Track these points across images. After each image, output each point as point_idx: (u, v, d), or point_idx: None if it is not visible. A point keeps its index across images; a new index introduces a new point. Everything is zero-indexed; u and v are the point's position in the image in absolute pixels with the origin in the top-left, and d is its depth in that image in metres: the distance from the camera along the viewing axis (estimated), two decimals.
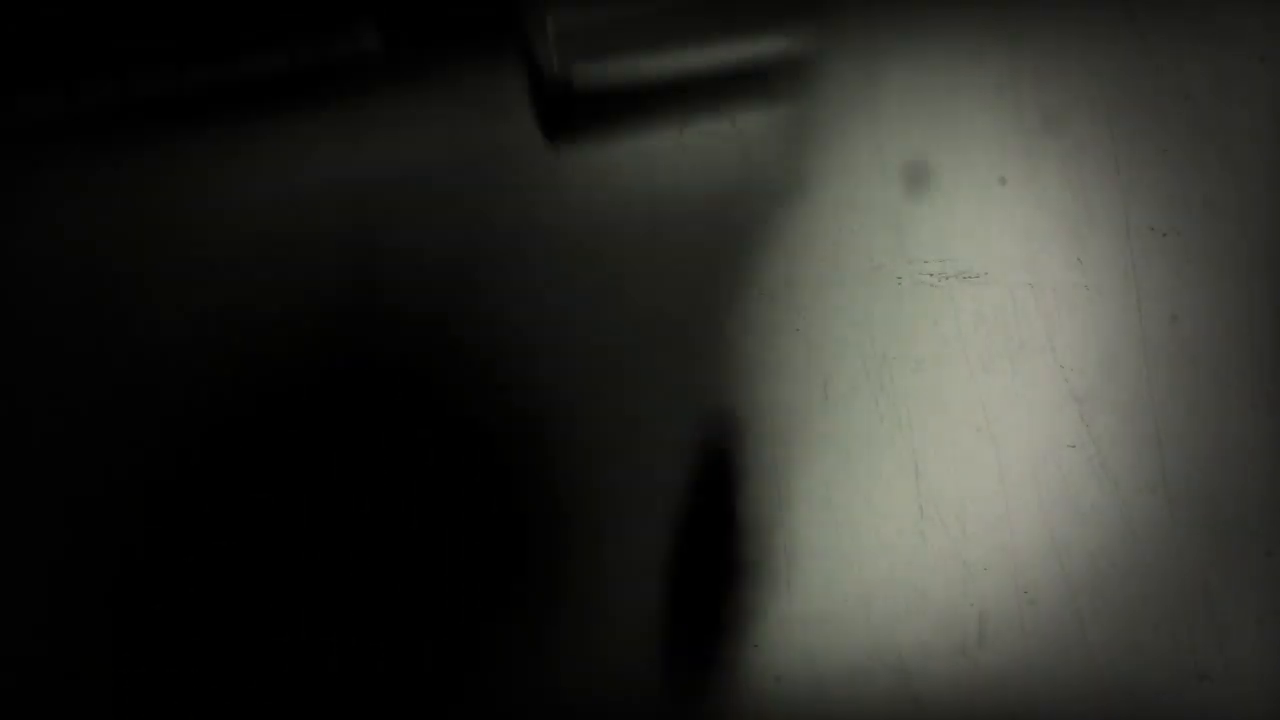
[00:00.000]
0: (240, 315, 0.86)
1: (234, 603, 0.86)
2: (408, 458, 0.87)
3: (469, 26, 0.85)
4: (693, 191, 0.92)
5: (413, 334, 0.88)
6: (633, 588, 0.87)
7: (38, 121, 0.83)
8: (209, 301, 0.87)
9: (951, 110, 0.93)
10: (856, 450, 0.89)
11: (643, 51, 0.87)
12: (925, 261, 0.92)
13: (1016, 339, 0.91)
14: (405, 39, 0.81)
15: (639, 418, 0.89)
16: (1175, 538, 0.89)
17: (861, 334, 0.90)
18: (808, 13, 0.89)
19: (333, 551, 0.87)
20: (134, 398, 0.87)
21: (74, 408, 0.87)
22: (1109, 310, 0.92)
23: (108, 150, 0.86)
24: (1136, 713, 0.88)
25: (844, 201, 0.92)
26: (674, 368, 0.90)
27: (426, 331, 0.87)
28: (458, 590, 0.87)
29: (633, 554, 0.88)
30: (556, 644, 0.87)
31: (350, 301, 0.87)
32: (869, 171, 0.92)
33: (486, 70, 0.88)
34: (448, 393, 0.87)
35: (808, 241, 0.92)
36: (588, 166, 0.89)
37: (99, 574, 0.86)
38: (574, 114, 0.85)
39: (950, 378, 0.90)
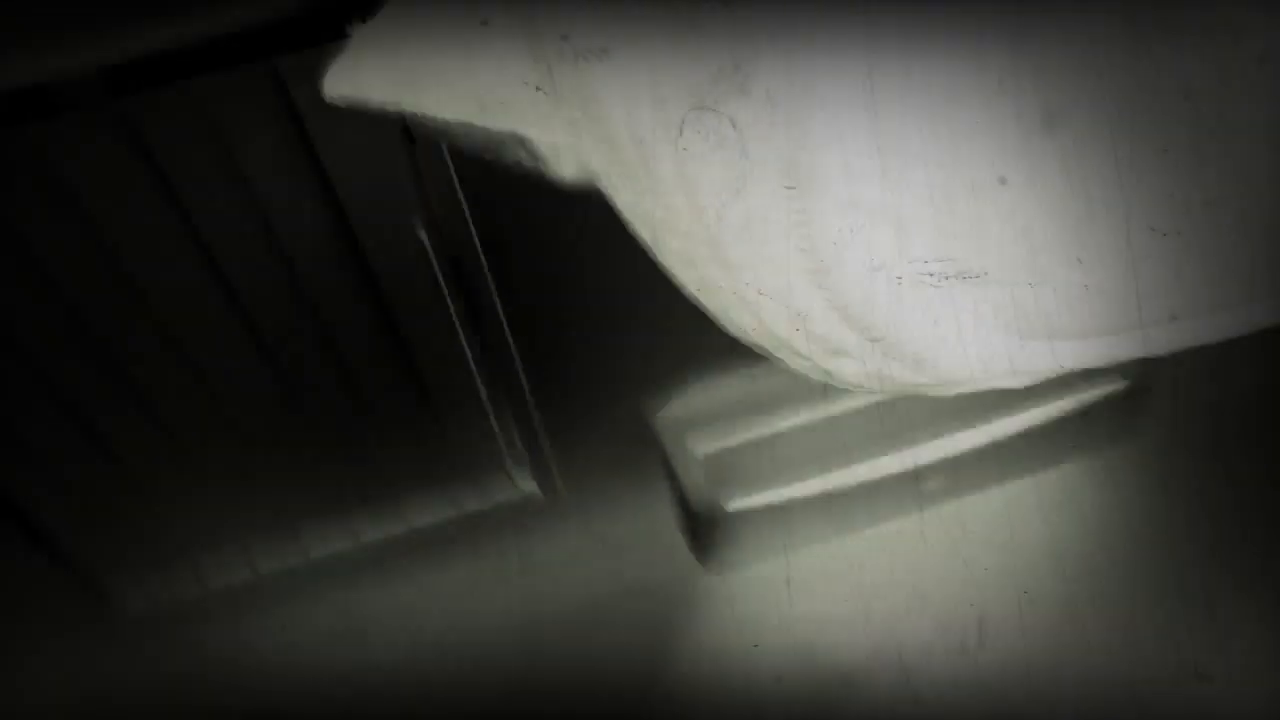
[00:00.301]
0: None
1: None
2: None
3: (618, 463, 0.88)
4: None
5: None
6: None
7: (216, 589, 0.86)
8: None
9: (952, 110, 0.93)
10: (856, 450, 0.89)
11: (790, 472, 0.88)
12: (925, 261, 0.92)
13: (1016, 339, 0.91)
14: (558, 481, 0.86)
15: None
16: (1175, 538, 0.89)
17: (862, 334, 0.90)
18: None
19: None
20: None
21: None
22: (1109, 310, 0.91)
23: (290, 610, 0.89)
24: (1136, 713, 0.88)
25: (844, 201, 0.92)
26: None
27: None
28: None
29: None
30: None
31: None
32: (869, 171, 0.92)
33: (637, 504, 0.91)
34: None
35: (808, 242, 0.92)
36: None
37: None
38: (723, 540, 0.87)
39: (950, 378, 0.90)
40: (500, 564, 0.91)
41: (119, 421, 0.72)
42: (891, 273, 0.67)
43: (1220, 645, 0.88)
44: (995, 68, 0.91)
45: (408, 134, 0.60)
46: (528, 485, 0.86)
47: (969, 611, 0.88)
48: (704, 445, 0.85)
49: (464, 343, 0.73)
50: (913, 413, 0.88)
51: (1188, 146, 0.91)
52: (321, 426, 0.77)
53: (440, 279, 0.68)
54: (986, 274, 0.91)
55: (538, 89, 0.85)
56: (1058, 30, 0.90)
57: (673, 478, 0.84)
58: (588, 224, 0.66)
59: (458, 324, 0.71)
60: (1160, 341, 0.67)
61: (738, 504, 0.84)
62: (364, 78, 0.52)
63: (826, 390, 0.85)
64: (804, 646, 0.87)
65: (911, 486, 0.88)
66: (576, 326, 0.76)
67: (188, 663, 0.89)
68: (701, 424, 0.85)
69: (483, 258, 0.68)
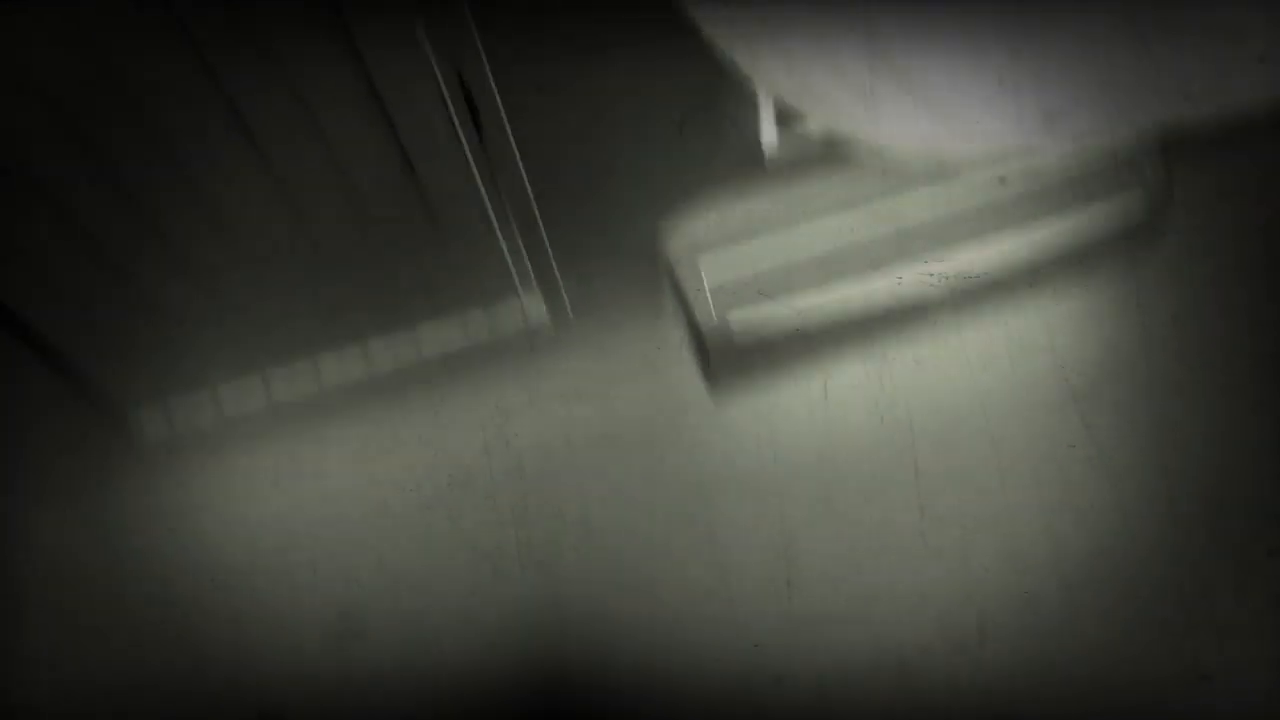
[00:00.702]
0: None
1: None
2: None
3: (629, 289, 0.89)
4: (693, 186, 0.92)
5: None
6: None
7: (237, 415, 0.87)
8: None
9: (951, 110, 0.93)
10: (856, 450, 0.89)
11: (801, 294, 0.88)
12: (925, 261, 0.92)
13: (1016, 339, 0.91)
14: (569, 308, 0.87)
15: None
16: (1175, 538, 0.89)
17: (861, 334, 0.90)
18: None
19: None
20: None
21: None
22: (1109, 310, 0.92)
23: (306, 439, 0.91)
24: (1136, 713, 0.88)
25: (844, 201, 0.92)
26: None
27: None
28: None
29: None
30: None
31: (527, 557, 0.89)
32: (869, 171, 0.92)
33: (648, 330, 0.92)
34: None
35: (808, 241, 0.92)
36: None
37: None
38: (734, 364, 0.87)
39: (950, 378, 0.90)
40: (513, 393, 0.90)
41: (136, 252, 0.72)
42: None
43: (1220, 645, 0.88)
44: (995, 68, 0.91)
45: None
46: (539, 312, 0.85)
47: (969, 611, 0.88)
48: (715, 269, 0.84)
49: (472, 164, 0.72)
50: (925, 232, 0.88)
51: (1187, 146, 0.91)
52: (332, 254, 0.77)
53: (444, 93, 0.67)
54: (987, 274, 0.91)
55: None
56: (1058, 30, 0.90)
57: (683, 303, 0.84)
58: (596, 40, 0.66)
59: (464, 143, 0.70)
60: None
61: (749, 328, 0.84)
62: None
63: (838, 211, 0.85)
64: (804, 646, 0.87)
65: (921, 310, 0.88)
66: (587, 149, 0.76)
67: (204, 490, 0.90)
68: (713, 248, 0.85)
69: (489, 72, 0.67)
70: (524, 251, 0.81)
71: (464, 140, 0.71)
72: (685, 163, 0.79)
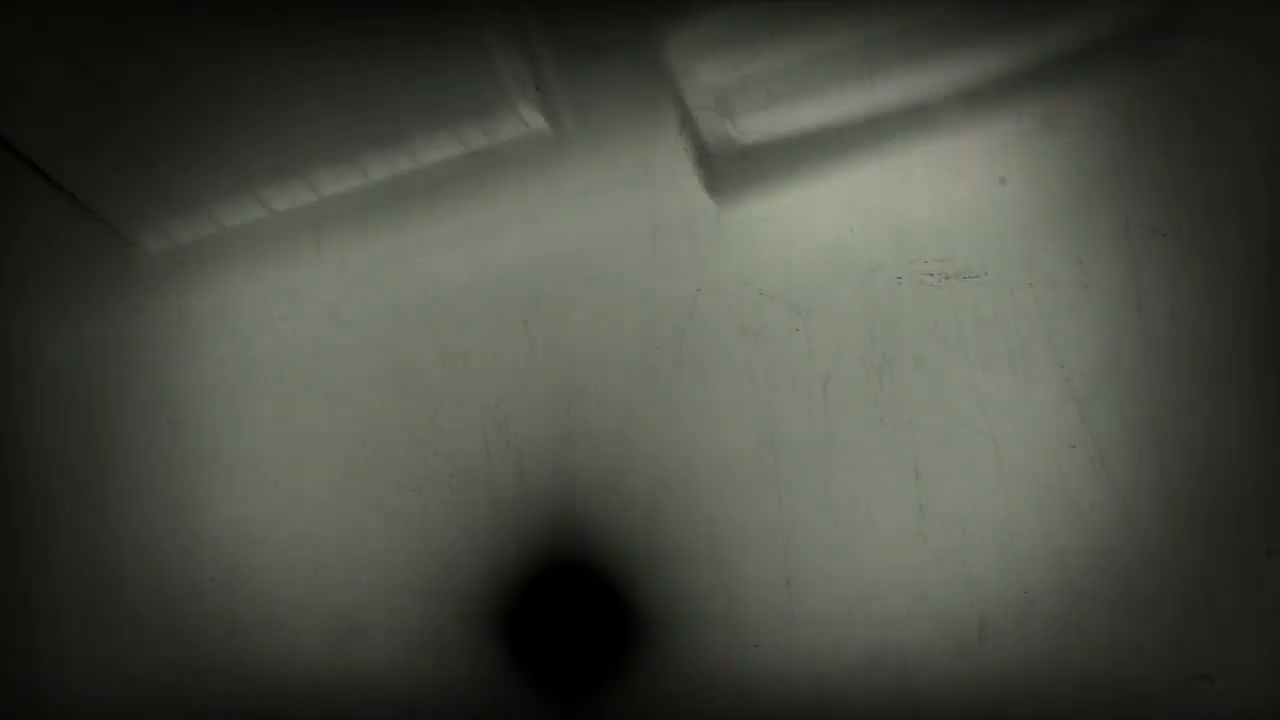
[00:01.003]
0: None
1: None
2: None
3: (627, 96, 0.88)
4: (690, 189, 0.92)
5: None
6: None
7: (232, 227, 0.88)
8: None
9: (952, 110, 0.93)
10: (856, 450, 0.89)
11: (800, 101, 0.89)
12: (925, 261, 0.92)
13: (1016, 339, 0.91)
14: (566, 117, 0.86)
15: None
16: (1175, 538, 0.89)
17: (861, 334, 0.90)
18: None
19: None
20: None
21: None
22: (1109, 310, 0.92)
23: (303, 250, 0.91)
24: (1136, 713, 0.88)
25: (844, 201, 0.92)
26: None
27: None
28: None
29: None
30: None
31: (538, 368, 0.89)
32: (869, 171, 0.92)
33: (647, 137, 0.92)
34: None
35: (808, 241, 0.92)
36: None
37: None
38: (734, 170, 0.87)
39: (950, 378, 0.90)
40: (510, 203, 0.90)
41: (131, 71, 0.72)
42: None
43: (1220, 645, 0.88)
44: (995, 68, 0.91)
45: None
46: (536, 121, 0.84)
47: (969, 611, 0.88)
48: (714, 75, 0.84)
49: None
50: (924, 40, 0.88)
51: (1187, 146, 0.91)
52: (326, 68, 0.76)
53: None
54: (987, 274, 0.91)
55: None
56: (1058, 30, 0.90)
57: (683, 109, 0.83)
58: None
59: None
60: None
61: (748, 134, 0.84)
62: None
63: (836, 18, 0.85)
64: (804, 646, 0.87)
65: (919, 113, 0.88)
66: None
67: (203, 301, 0.91)
68: (711, 53, 0.84)
69: None
70: (522, 61, 0.79)
71: None
72: None
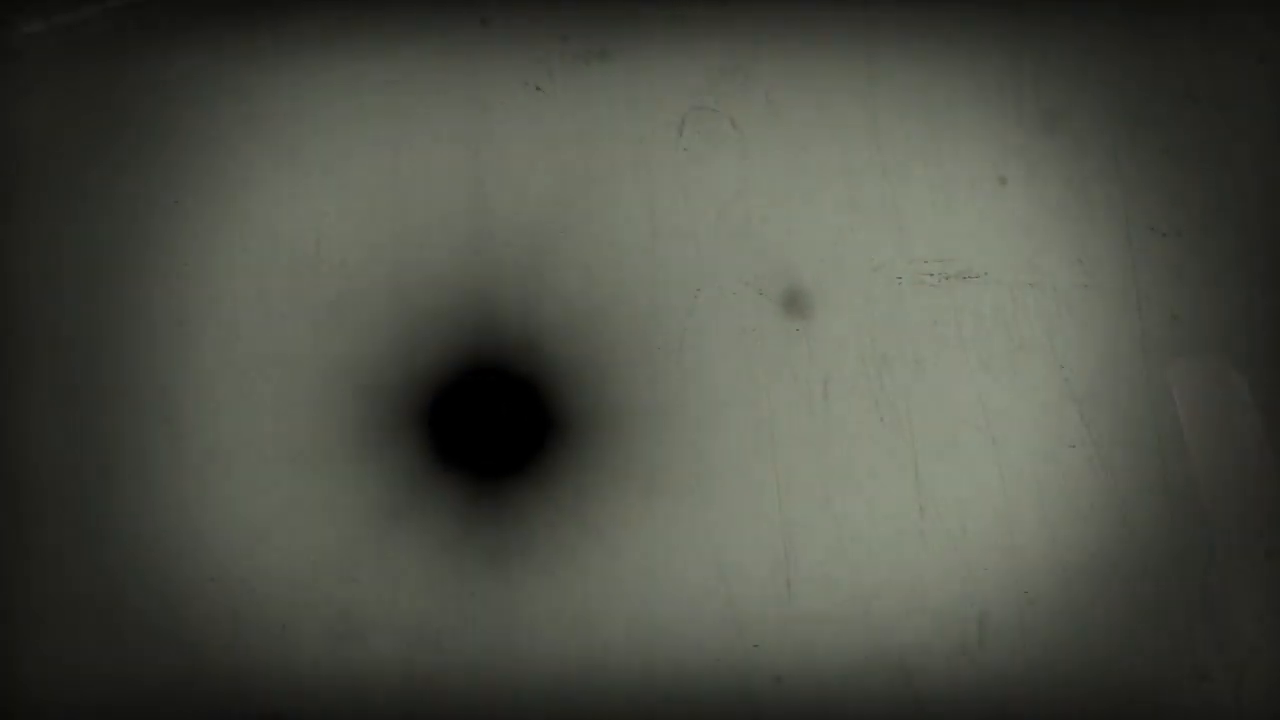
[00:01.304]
0: None
1: None
2: None
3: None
4: (690, 189, 0.92)
5: None
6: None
7: None
8: None
9: (952, 110, 0.93)
10: (856, 450, 0.89)
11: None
12: (925, 261, 0.92)
13: (1016, 339, 0.91)
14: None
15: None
16: (1175, 538, 0.89)
17: (861, 334, 0.90)
18: None
19: None
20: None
21: None
22: (1109, 310, 0.91)
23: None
24: (1136, 713, 0.88)
25: (844, 201, 0.92)
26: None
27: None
28: None
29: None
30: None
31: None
32: (869, 170, 0.92)
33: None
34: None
35: (808, 241, 0.92)
36: None
37: None
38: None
39: (950, 378, 0.90)
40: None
41: None
42: None
43: (1220, 645, 0.88)
44: (995, 68, 0.91)
45: None
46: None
47: (969, 611, 0.88)
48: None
49: None
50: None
51: (1187, 147, 0.91)
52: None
53: None
54: (987, 274, 0.91)
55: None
56: (1058, 30, 0.90)
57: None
58: None
59: None
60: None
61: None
62: None
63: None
64: (804, 646, 0.87)
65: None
66: None
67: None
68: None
69: None
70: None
71: None
72: None
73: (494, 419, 0.90)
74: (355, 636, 0.87)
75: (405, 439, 0.89)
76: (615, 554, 0.88)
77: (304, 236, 0.91)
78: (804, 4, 0.94)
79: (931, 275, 0.91)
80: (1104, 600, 0.88)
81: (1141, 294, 0.92)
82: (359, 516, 0.88)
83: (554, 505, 0.88)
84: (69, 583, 0.87)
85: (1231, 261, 0.92)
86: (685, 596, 0.87)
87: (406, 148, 0.92)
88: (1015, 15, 0.94)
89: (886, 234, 0.92)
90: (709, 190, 0.92)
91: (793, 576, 0.88)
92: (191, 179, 0.91)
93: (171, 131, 0.92)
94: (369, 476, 0.89)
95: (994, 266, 0.92)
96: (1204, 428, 0.90)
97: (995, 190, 0.93)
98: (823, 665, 0.87)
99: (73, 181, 0.91)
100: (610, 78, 0.92)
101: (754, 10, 0.93)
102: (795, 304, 0.91)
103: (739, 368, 0.90)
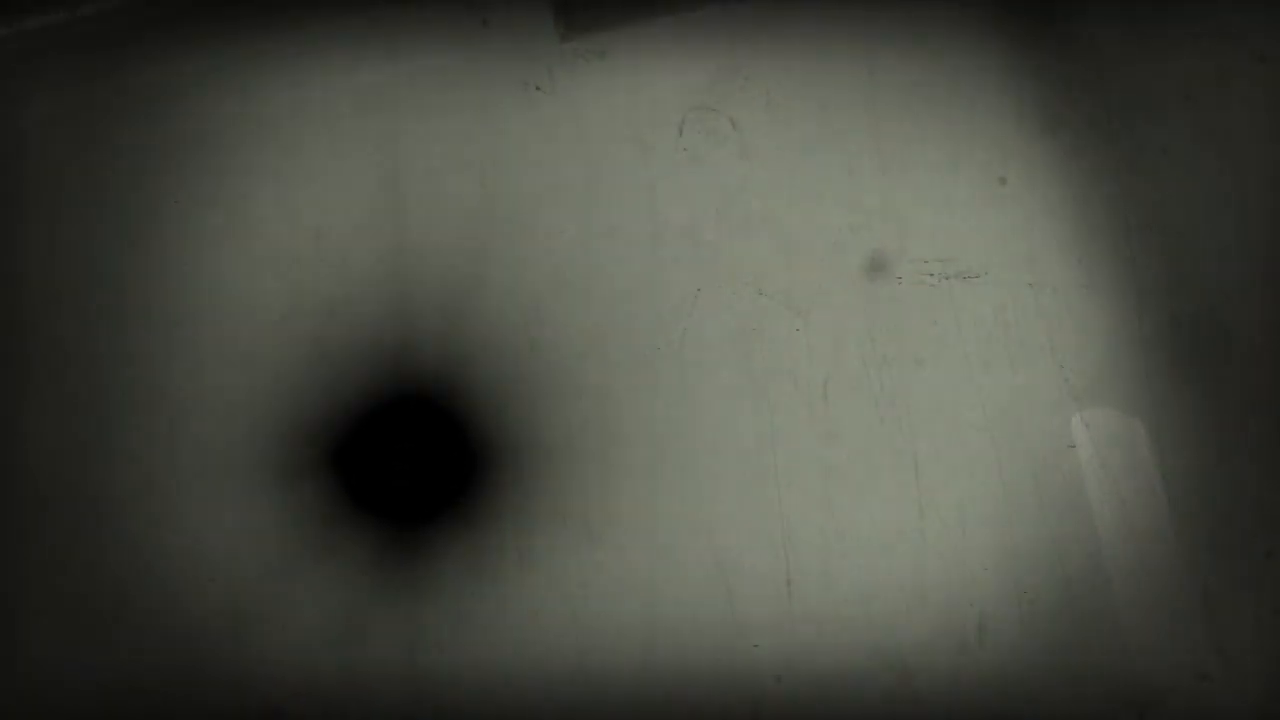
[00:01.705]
0: None
1: None
2: None
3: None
4: (690, 189, 0.92)
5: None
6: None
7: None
8: None
9: (951, 110, 0.93)
10: (856, 450, 0.89)
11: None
12: (925, 261, 0.92)
13: (1016, 339, 0.91)
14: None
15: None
16: (1175, 538, 0.89)
17: (861, 334, 0.90)
18: None
19: None
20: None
21: None
22: (1109, 310, 0.92)
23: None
24: (1136, 713, 0.88)
25: (844, 201, 0.92)
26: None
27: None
28: None
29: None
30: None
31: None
32: (869, 171, 0.92)
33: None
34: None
35: (808, 241, 0.92)
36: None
37: None
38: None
39: (950, 378, 0.90)
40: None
41: None
42: None
43: (1220, 645, 0.88)
44: (995, 68, 0.91)
45: None
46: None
47: (969, 611, 0.88)
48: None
49: None
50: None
51: (1187, 147, 0.91)
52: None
53: None
54: (987, 274, 0.91)
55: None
56: (1058, 30, 0.90)
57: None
58: None
59: None
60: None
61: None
62: None
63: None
64: (804, 646, 0.87)
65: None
66: None
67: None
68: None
69: None
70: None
71: None
72: None
73: (495, 418, 0.90)
74: (355, 636, 0.87)
75: (419, 433, 0.89)
76: (615, 554, 0.88)
77: (303, 236, 0.91)
78: (804, 4, 0.94)
79: (931, 275, 0.91)
80: (1104, 600, 0.88)
81: (1141, 294, 0.92)
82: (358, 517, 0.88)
83: (554, 505, 0.88)
84: (68, 583, 0.87)
85: (1231, 261, 0.92)
86: (685, 596, 0.87)
87: (406, 147, 0.92)
88: (1015, 15, 0.94)
89: (886, 234, 0.92)
90: (709, 190, 0.92)
91: (793, 576, 0.88)
92: (191, 179, 0.91)
93: (171, 130, 0.92)
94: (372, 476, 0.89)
95: (994, 266, 0.92)
96: (1204, 428, 0.90)
97: (995, 190, 0.93)
98: (823, 665, 0.87)
99: (72, 181, 0.91)
100: (610, 78, 0.93)
101: (754, 10, 0.93)
102: (795, 304, 0.91)
103: (739, 368, 0.90)
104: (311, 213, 0.91)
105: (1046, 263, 0.92)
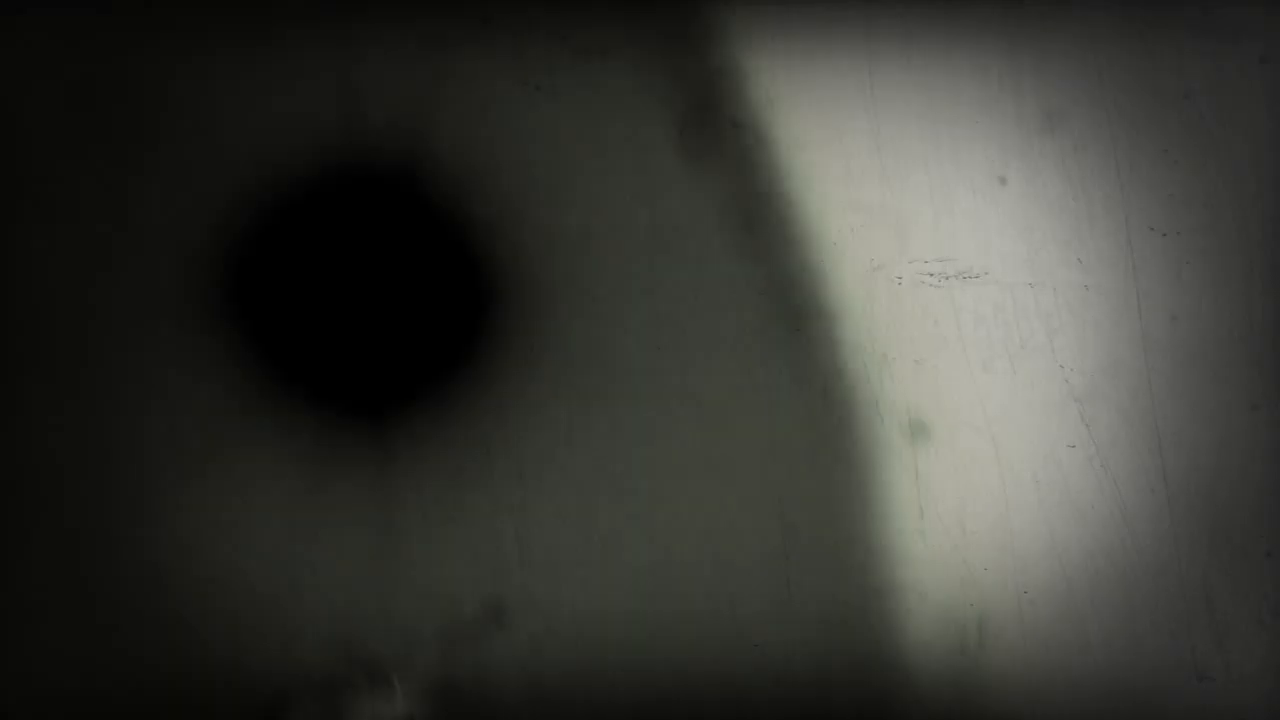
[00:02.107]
0: None
1: None
2: None
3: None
4: (691, 188, 0.92)
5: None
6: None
7: None
8: None
9: (952, 110, 0.93)
10: (856, 450, 0.89)
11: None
12: (925, 261, 0.92)
13: (1016, 339, 0.91)
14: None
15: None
16: (1175, 538, 0.89)
17: (861, 334, 0.90)
18: None
19: None
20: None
21: None
22: (1109, 310, 0.92)
23: None
24: (1136, 713, 0.88)
25: (844, 201, 0.92)
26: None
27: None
28: None
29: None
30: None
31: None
32: (869, 171, 0.92)
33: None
34: None
35: (808, 241, 0.92)
36: None
37: None
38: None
39: (950, 378, 0.90)
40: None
41: None
42: None
43: (1220, 645, 0.88)
44: (995, 68, 0.91)
45: None
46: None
47: (969, 611, 0.88)
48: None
49: None
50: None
51: (1187, 147, 0.91)
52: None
53: None
54: (987, 274, 0.91)
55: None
56: (1057, 30, 0.90)
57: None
58: None
59: None
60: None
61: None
62: None
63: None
64: (804, 646, 0.87)
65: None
66: None
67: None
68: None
69: None
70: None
71: None
72: None
73: (495, 418, 0.90)
74: (355, 636, 0.87)
75: (415, 435, 0.89)
76: (615, 554, 0.88)
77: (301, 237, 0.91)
78: (804, 4, 0.94)
79: (931, 275, 0.91)
80: (1104, 600, 0.88)
81: (1141, 294, 0.92)
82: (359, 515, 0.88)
83: (553, 505, 0.88)
84: (68, 583, 0.87)
85: (1231, 261, 0.92)
86: (685, 596, 0.87)
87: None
88: (1015, 15, 0.94)
89: (886, 234, 0.92)
90: (709, 190, 0.92)
91: (793, 577, 0.88)
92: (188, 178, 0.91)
93: (169, 130, 0.92)
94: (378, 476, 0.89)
95: (994, 266, 0.92)
96: (1204, 428, 0.90)
97: (995, 190, 0.93)
98: (823, 665, 0.87)
99: (71, 181, 0.91)
100: (610, 77, 0.93)
101: (754, 10, 0.93)
102: (795, 304, 0.91)
103: (739, 368, 0.90)
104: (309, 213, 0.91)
105: (1046, 263, 0.92)
